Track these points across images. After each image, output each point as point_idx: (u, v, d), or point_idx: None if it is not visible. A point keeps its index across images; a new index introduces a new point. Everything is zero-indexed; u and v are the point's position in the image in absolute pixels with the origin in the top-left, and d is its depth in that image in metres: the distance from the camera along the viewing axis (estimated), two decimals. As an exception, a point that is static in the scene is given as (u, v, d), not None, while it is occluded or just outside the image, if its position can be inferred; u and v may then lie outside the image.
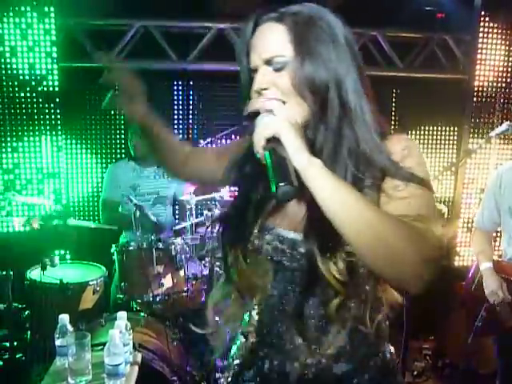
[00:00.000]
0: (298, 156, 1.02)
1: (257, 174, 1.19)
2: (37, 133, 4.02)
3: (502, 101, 4.36)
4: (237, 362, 1.33)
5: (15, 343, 3.12)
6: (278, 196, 1.00)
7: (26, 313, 3.37)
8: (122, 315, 2.17)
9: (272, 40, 1.12)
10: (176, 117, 4.67)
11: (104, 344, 2.00)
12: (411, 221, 1.04)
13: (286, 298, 1.21)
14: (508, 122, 2.60)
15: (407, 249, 1.01)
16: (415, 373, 3.91)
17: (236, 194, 1.33)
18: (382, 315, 1.23)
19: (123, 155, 4.51)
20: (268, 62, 1.12)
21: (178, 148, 1.49)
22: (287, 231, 1.20)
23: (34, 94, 3.97)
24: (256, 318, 1.28)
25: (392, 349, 1.30)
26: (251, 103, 1.12)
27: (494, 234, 3.12)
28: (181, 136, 4.60)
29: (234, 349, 1.36)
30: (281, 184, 0.99)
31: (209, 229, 3.34)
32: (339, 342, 1.18)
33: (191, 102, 4.66)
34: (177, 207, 4.31)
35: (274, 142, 1.04)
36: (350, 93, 1.11)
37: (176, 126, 4.66)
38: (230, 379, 1.34)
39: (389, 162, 1.11)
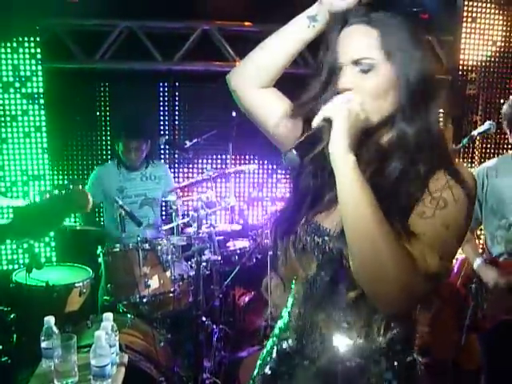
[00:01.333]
0: (337, 143, 1.09)
1: (316, 172, 1.29)
2: (21, 134, 4.00)
3: (484, 100, 4.41)
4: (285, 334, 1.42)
5: (0, 346, 3.09)
6: (283, 159, 1.07)
7: (12, 316, 3.34)
8: (107, 316, 2.17)
9: (363, 42, 1.17)
10: (162, 118, 4.66)
11: (90, 346, 2.00)
12: (418, 243, 1.09)
13: (318, 287, 1.30)
14: (490, 121, 2.63)
15: (393, 272, 1.06)
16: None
17: (291, 189, 1.42)
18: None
19: (109, 156, 4.50)
20: (356, 63, 1.17)
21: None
22: (325, 226, 1.26)
23: (18, 96, 3.95)
24: (292, 305, 1.39)
25: (405, 348, 1.33)
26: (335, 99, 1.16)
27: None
28: (167, 137, 4.59)
29: (280, 323, 1.45)
30: (292, 149, 1.06)
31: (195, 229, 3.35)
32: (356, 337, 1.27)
33: (177, 103, 4.66)
34: (163, 208, 4.31)
35: (329, 123, 1.11)
36: (429, 98, 1.19)
37: (162, 127, 4.66)
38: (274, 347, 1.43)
39: (450, 171, 1.16)
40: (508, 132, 2.60)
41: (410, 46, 1.17)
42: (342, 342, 1.27)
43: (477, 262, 2.68)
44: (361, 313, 1.25)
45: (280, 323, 1.45)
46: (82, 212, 3.50)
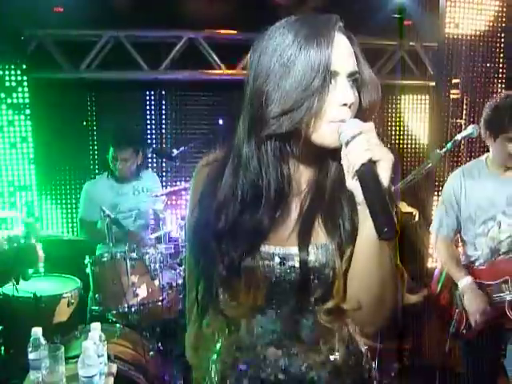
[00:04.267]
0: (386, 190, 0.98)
1: (246, 192, 1.14)
2: (7, 145, 3.98)
3: (468, 105, 4.47)
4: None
5: (-12, 359, 3.07)
6: (381, 237, 0.97)
7: (0, 328, 3.32)
8: (95, 326, 2.16)
9: (353, 54, 1.08)
10: (149, 126, 4.66)
11: (78, 356, 1.99)
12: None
13: (278, 312, 1.19)
14: (473, 125, 2.64)
15: (394, 295, 1.10)
16: (392, 374, 3.95)
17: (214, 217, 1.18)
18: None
19: (96, 166, 4.48)
20: (351, 75, 1.06)
21: None
22: (278, 247, 1.15)
23: (4, 106, 3.93)
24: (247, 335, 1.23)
25: (364, 345, 1.31)
26: (347, 124, 1.03)
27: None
28: (154, 145, 4.59)
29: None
30: (389, 230, 0.94)
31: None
32: (330, 352, 1.21)
33: (163, 112, 4.66)
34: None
35: (370, 165, 0.97)
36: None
37: (149, 136, 4.66)
38: None
39: None
40: (486, 135, 2.59)
41: (368, 71, 1.11)
42: (312, 359, 1.20)
43: (463, 283, 2.57)
44: (331, 327, 1.19)
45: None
46: (33, 268, 3.36)
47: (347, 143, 1.00)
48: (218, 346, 1.29)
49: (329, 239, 1.12)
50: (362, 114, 1.09)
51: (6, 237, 3.16)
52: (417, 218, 3.97)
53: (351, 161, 0.98)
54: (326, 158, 1.14)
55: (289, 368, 1.19)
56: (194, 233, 1.22)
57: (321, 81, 1.02)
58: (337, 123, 1.04)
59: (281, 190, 1.14)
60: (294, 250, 1.13)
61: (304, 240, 1.13)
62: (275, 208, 1.14)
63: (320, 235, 1.13)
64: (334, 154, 1.09)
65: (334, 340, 1.20)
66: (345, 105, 1.04)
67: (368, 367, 1.30)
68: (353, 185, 1.01)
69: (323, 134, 1.05)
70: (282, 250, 1.15)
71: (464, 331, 2.62)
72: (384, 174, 0.97)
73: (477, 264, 2.63)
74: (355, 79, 1.07)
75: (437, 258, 2.98)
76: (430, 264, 4.55)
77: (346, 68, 1.05)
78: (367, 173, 0.97)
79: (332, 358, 1.20)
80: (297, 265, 1.13)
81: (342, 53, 1.05)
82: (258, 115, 1.08)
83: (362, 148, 0.98)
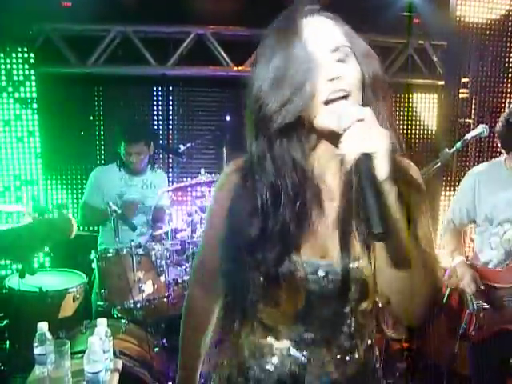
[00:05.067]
0: (386, 183, 0.96)
1: (274, 200, 1.12)
2: (14, 139, 3.98)
3: (477, 104, 4.44)
4: None
5: (-7, 353, 3.07)
6: (372, 238, 0.95)
7: (5, 322, 3.32)
8: (101, 322, 2.15)
9: (334, 31, 1.09)
10: (156, 122, 4.66)
11: (84, 351, 1.99)
12: (431, 250, 1.11)
13: (317, 324, 1.19)
14: (483, 125, 2.63)
15: (430, 286, 1.08)
16: (397, 374, 3.94)
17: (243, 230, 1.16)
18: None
19: (103, 161, 4.48)
20: (334, 51, 1.06)
21: None
22: (315, 259, 1.14)
23: (11, 100, 3.93)
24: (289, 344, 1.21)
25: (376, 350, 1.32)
26: (341, 110, 1.01)
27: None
28: (161, 141, 4.58)
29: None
30: (380, 231, 0.89)
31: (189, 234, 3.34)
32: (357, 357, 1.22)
33: (171, 108, 4.65)
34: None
35: (365, 157, 0.94)
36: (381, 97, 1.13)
37: (157, 133, 4.65)
38: None
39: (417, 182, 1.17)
40: (503, 149, 2.62)
41: (364, 45, 1.12)
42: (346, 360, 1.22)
43: (457, 259, 2.68)
44: (365, 328, 1.23)
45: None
46: (65, 239, 3.39)
47: (344, 131, 0.98)
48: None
49: (364, 247, 1.12)
50: (367, 90, 1.09)
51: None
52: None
53: (346, 152, 0.96)
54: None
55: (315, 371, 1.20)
56: (226, 239, 1.21)
57: (303, 64, 1.04)
58: (333, 104, 1.03)
59: (301, 191, 1.12)
60: (332, 262, 1.14)
61: (344, 253, 1.13)
62: (303, 211, 1.12)
63: (355, 244, 1.13)
64: None
65: (363, 339, 1.23)
66: (332, 79, 1.03)
67: (378, 365, 1.31)
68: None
69: (322, 117, 1.05)
70: (319, 261, 1.14)
71: (473, 332, 2.61)
72: (381, 165, 0.94)
73: (490, 266, 2.62)
74: (346, 54, 1.07)
75: (442, 244, 3.00)
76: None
77: (327, 44, 1.06)
78: (361, 167, 0.94)
79: (355, 356, 1.22)
80: (335, 277, 1.13)
81: (318, 32, 1.07)
82: (261, 115, 1.09)
83: (356, 139, 0.95)
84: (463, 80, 4.44)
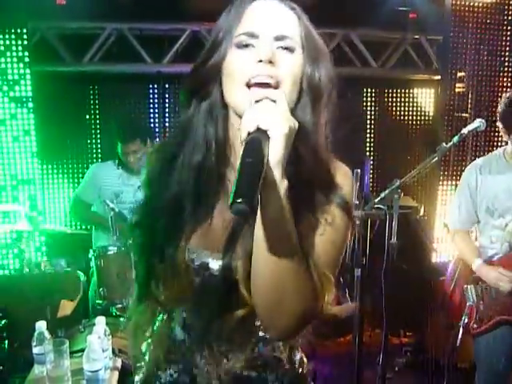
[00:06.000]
0: (275, 169, 0.88)
1: (183, 183, 1.11)
2: (10, 138, 3.96)
3: (474, 98, 4.44)
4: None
5: (-8, 353, 3.07)
6: (231, 210, 0.80)
7: (3, 322, 3.32)
8: (100, 320, 2.15)
9: (287, 20, 1.06)
10: (152, 120, 4.64)
11: (83, 350, 1.98)
12: (317, 268, 1.02)
13: (202, 311, 1.15)
14: (479, 119, 2.63)
15: (298, 305, 0.99)
16: (396, 369, 3.95)
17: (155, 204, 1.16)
18: None
19: (99, 160, 4.46)
20: (280, 39, 1.03)
21: None
22: (205, 250, 1.12)
23: (6, 99, 3.91)
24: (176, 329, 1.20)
25: (303, 356, 1.28)
26: (254, 91, 0.99)
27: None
28: (157, 139, 4.57)
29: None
30: (238, 200, 0.79)
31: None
32: (249, 351, 1.16)
33: (167, 105, 4.63)
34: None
35: (259, 135, 0.87)
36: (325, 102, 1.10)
37: (152, 130, 4.64)
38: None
39: (338, 190, 1.08)
40: (502, 130, 2.61)
41: (317, 43, 1.10)
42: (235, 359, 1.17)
43: (476, 263, 2.64)
44: (250, 329, 1.16)
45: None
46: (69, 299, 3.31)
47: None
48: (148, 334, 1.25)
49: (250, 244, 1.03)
50: (306, 87, 1.07)
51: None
52: (421, 213, 3.96)
53: (241, 128, 0.89)
54: None
55: (214, 367, 1.16)
56: (142, 215, 1.20)
57: (224, 39, 1.06)
58: (255, 89, 1.00)
59: (207, 170, 1.11)
60: (218, 256, 1.10)
61: (229, 247, 1.08)
62: (203, 194, 1.12)
63: (246, 239, 1.06)
64: None
65: (252, 341, 1.17)
66: (260, 61, 1.00)
67: (291, 367, 1.24)
68: None
69: (236, 96, 1.04)
70: (209, 252, 1.11)
71: (474, 325, 2.62)
72: (275, 148, 0.87)
73: (495, 259, 2.63)
74: (291, 45, 1.04)
75: (454, 252, 2.99)
76: (433, 259, 4.55)
77: (271, 31, 1.03)
78: (250, 143, 0.86)
79: (250, 357, 1.16)
80: (216, 271, 1.10)
81: (266, 17, 1.05)
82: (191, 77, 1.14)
83: (252, 115, 0.89)
84: (459, 74, 4.44)
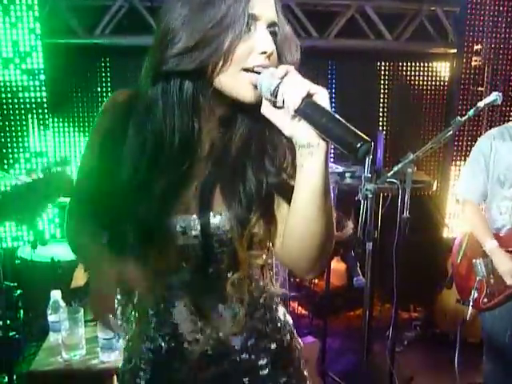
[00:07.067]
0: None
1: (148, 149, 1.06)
2: (23, 111, 3.97)
3: (490, 72, 4.36)
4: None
5: (8, 322, 3.12)
6: (358, 154, 0.85)
7: (18, 291, 3.37)
8: (114, 290, 2.17)
9: (274, 5, 1.02)
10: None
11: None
12: None
13: (189, 278, 1.14)
14: (496, 93, 2.58)
15: (328, 240, 1.05)
16: (405, 343, 3.98)
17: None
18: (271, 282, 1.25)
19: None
20: (271, 26, 1.00)
21: None
22: (179, 215, 1.09)
23: (19, 72, 3.90)
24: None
25: (284, 310, 1.30)
26: (265, 73, 0.95)
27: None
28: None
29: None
30: (360, 145, 0.84)
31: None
32: (237, 317, 1.17)
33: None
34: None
35: (307, 101, 0.90)
36: None
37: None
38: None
39: None
40: None
41: (288, 28, 1.06)
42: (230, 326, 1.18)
43: (489, 245, 2.56)
44: (243, 294, 1.16)
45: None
46: (65, 196, 3.34)
47: (275, 90, 0.92)
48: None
49: (229, 207, 1.08)
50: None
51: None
52: (434, 188, 3.93)
53: (288, 101, 0.89)
54: (236, 117, 1.09)
55: (200, 334, 1.17)
56: (97, 178, 1.12)
57: (235, 19, 0.94)
58: (252, 74, 0.97)
59: (186, 145, 1.06)
60: (195, 218, 1.09)
61: (203, 208, 1.09)
62: (179, 169, 1.07)
63: (220, 203, 1.09)
64: (245, 114, 1.07)
65: (242, 307, 1.17)
66: (264, 53, 0.97)
67: (286, 332, 1.28)
68: (292, 129, 0.93)
69: (235, 81, 0.99)
70: (183, 217, 1.09)
71: (485, 300, 2.61)
72: (326, 105, 0.90)
73: (503, 232, 2.60)
74: (274, 32, 1.00)
75: (464, 223, 2.94)
76: (445, 234, 4.53)
77: (267, 16, 0.99)
78: (311, 105, 0.89)
79: (242, 324, 1.17)
80: (198, 233, 1.09)
81: (263, 0, 0.99)
82: (162, 53, 1.00)
83: (296, 84, 0.90)
84: (476, 47, 4.35)
